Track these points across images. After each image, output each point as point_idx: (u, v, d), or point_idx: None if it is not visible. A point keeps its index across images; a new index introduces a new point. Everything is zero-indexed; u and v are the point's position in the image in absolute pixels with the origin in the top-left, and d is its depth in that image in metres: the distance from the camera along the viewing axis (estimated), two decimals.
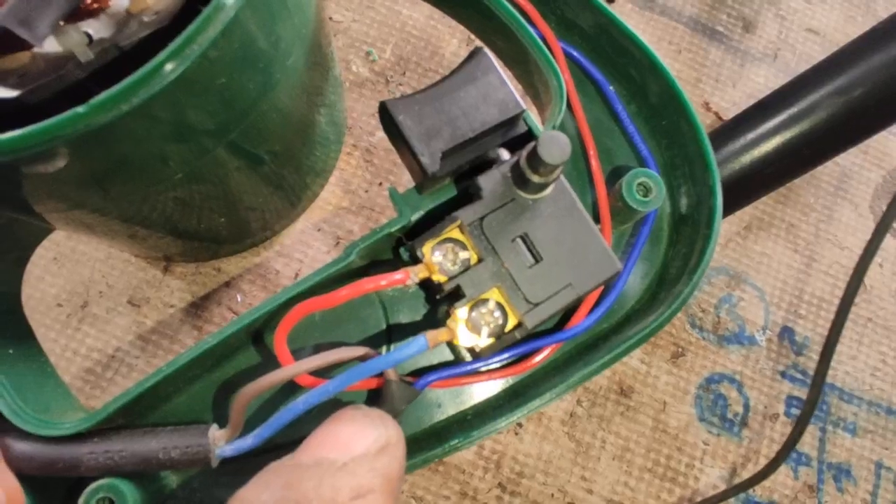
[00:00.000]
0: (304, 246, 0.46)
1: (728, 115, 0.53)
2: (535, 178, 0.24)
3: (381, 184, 0.47)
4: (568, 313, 0.29)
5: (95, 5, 0.25)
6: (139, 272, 0.44)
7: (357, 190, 0.47)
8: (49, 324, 0.43)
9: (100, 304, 0.44)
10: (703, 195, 0.31)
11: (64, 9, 0.23)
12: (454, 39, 0.51)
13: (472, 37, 0.35)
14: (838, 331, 0.33)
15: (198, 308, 0.44)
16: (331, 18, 0.49)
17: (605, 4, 0.32)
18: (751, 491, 0.45)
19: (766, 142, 0.42)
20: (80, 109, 0.20)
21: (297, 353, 0.29)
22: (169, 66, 0.22)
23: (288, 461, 0.17)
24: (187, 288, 0.44)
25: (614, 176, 0.32)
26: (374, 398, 0.26)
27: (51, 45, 0.25)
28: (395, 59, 0.50)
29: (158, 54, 0.21)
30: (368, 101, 0.49)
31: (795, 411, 0.48)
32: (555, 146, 0.22)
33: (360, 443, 0.17)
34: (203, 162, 0.32)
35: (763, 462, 0.46)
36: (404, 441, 0.18)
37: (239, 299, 0.44)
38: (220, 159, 0.34)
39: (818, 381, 0.34)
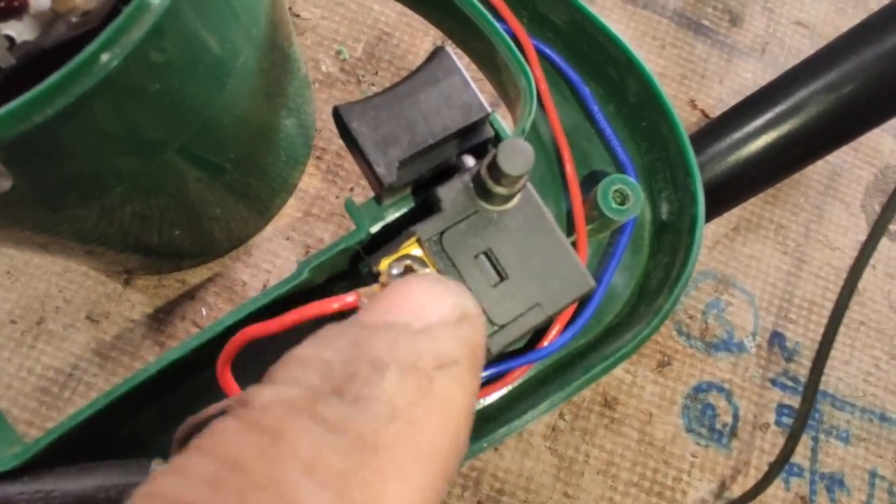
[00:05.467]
0: (272, 256, 0.43)
1: (715, 112, 0.51)
2: (498, 189, 0.22)
3: (352, 189, 0.45)
4: (540, 331, 0.27)
5: (15, 3, 0.23)
6: (98, 286, 0.42)
7: (327, 196, 0.45)
8: (2, 342, 0.41)
9: (56, 320, 0.41)
10: (685, 201, 0.29)
11: None
12: (428, 37, 0.48)
13: (446, 35, 0.33)
14: (830, 340, 0.31)
15: (160, 323, 0.42)
16: (298, 16, 0.47)
17: None
18: None
19: (755, 140, 0.41)
20: None
21: (256, 376, 0.27)
22: (89, 72, 0.20)
23: (348, 323, 0.14)
24: (149, 302, 0.42)
25: (591, 181, 0.30)
26: None
27: None
28: (367, 57, 0.48)
29: (69, 62, 0.19)
30: (339, 102, 0.46)
31: (786, 420, 0.46)
32: (516, 155, 0.20)
33: (436, 310, 0.14)
34: (154, 171, 0.30)
35: (753, 474, 0.45)
36: (483, 316, 0.15)
37: (204, 313, 0.42)
38: (174, 168, 0.32)
39: (809, 394, 0.32)
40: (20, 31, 0.23)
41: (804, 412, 0.33)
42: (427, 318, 0.14)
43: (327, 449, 0.11)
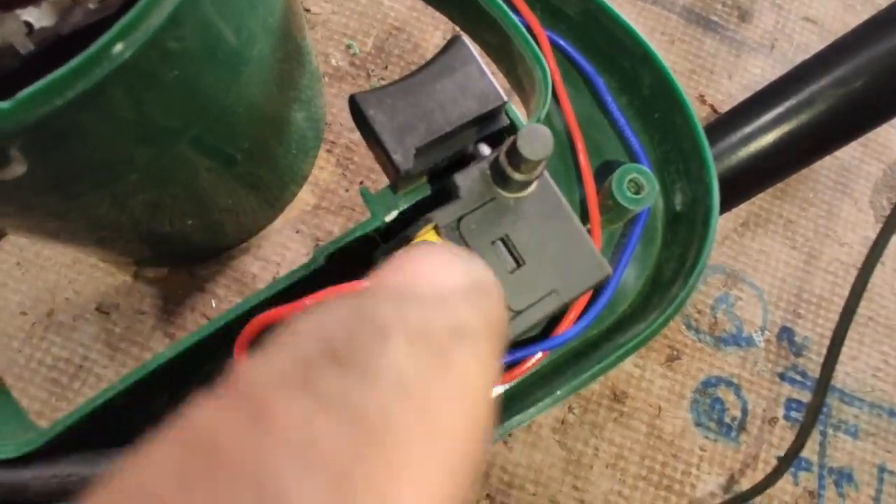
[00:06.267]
0: (282, 248, 0.44)
1: (723, 107, 0.51)
2: (516, 176, 0.22)
3: (361, 182, 0.45)
4: (555, 319, 0.27)
5: None
6: (108, 277, 0.42)
7: (337, 189, 0.45)
8: (12, 333, 0.41)
9: (66, 312, 0.41)
10: (699, 193, 0.29)
11: None
12: (438, 31, 0.49)
13: (458, 28, 0.33)
14: (842, 336, 0.31)
15: (170, 314, 0.42)
16: (309, 10, 0.47)
17: None
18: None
19: (764, 136, 0.41)
20: (4, 105, 0.18)
21: None
22: (108, 58, 0.20)
23: (351, 291, 0.12)
24: (159, 293, 0.42)
25: (604, 172, 0.30)
26: None
27: None
28: (377, 51, 0.48)
29: (90, 46, 0.19)
30: (349, 96, 0.47)
31: (795, 414, 0.46)
32: (536, 140, 0.20)
33: (448, 277, 0.12)
34: (167, 160, 0.30)
35: (761, 467, 0.45)
36: (501, 288, 0.13)
37: (213, 304, 0.42)
38: (187, 158, 0.32)
39: (821, 389, 0.32)
40: (38, 16, 0.23)
41: (815, 407, 0.33)
42: (438, 286, 0.12)
43: (323, 430, 0.09)
